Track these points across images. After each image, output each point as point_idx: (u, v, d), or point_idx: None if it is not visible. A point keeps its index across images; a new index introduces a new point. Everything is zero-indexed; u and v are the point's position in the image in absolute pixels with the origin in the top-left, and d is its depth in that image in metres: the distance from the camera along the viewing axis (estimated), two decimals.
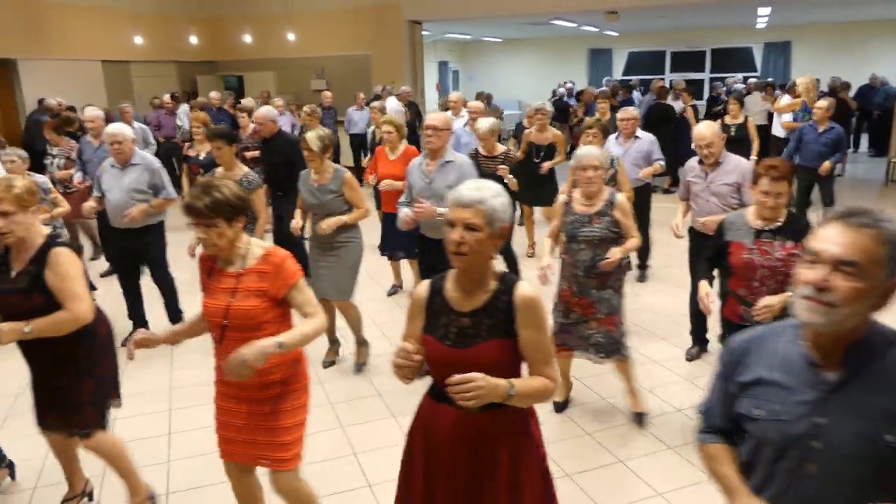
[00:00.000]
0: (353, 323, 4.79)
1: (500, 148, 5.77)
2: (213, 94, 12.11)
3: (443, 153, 4.35)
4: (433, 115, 4.43)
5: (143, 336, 2.63)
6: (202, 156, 6.28)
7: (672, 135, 10.13)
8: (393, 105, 10.67)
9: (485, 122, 5.74)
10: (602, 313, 3.76)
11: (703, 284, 3.34)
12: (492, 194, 1.97)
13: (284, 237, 5.42)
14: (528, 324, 1.99)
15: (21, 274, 2.79)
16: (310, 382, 2.71)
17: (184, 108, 11.47)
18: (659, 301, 6.00)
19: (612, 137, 6.19)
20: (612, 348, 3.80)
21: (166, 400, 4.45)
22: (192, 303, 5.80)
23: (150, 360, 4.97)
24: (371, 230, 5.34)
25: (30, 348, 2.88)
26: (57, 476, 3.31)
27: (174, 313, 5.40)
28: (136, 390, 4.44)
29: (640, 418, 3.99)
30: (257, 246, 2.52)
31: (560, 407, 4.15)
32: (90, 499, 3.33)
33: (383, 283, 6.53)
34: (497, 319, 1.99)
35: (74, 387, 2.90)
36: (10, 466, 3.53)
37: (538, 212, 7.51)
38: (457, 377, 1.84)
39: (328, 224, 4.36)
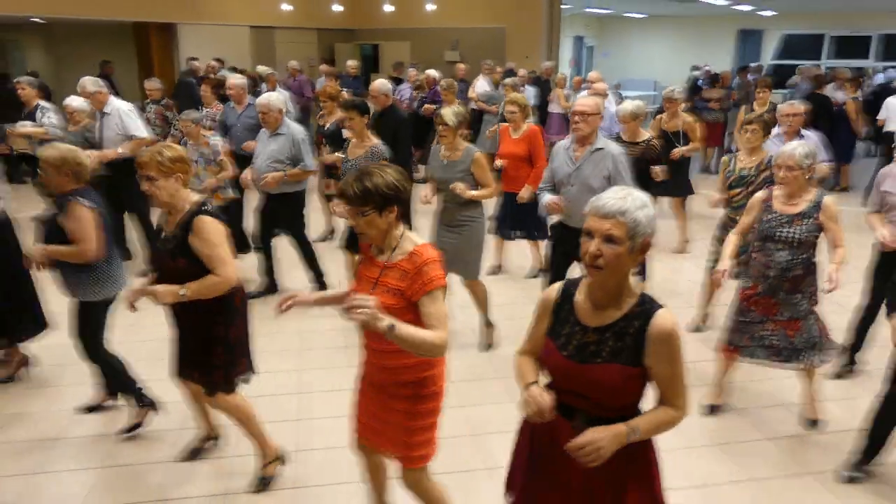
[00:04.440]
0: (481, 301, 4.82)
1: (644, 134, 5.46)
2: (350, 63, 12.38)
3: (592, 139, 4.20)
4: (583, 100, 4.25)
5: (297, 297, 2.66)
6: (327, 126, 6.42)
7: (828, 131, 9.30)
8: (481, 85, 10.61)
9: (628, 105, 5.44)
10: (784, 316, 3.64)
11: None
12: (637, 205, 1.82)
13: None
14: (661, 358, 1.85)
15: (170, 237, 2.98)
16: (444, 387, 2.59)
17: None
18: None
19: (773, 133, 5.77)
20: (791, 354, 3.68)
21: (297, 359, 4.66)
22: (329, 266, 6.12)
23: (284, 323, 5.23)
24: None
25: (177, 310, 3.05)
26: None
27: (317, 276, 5.65)
28: (270, 348, 4.69)
29: (813, 424, 3.87)
30: (409, 241, 2.39)
31: (711, 409, 4.02)
32: (216, 441, 3.61)
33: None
34: (624, 344, 1.86)
35: (208, 351, 3.07)
36: (153, 405, 3.81)
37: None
38: (574, 443, 1.81)
39: (461, 188, 4.35)
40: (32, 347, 4.44)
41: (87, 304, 3.52)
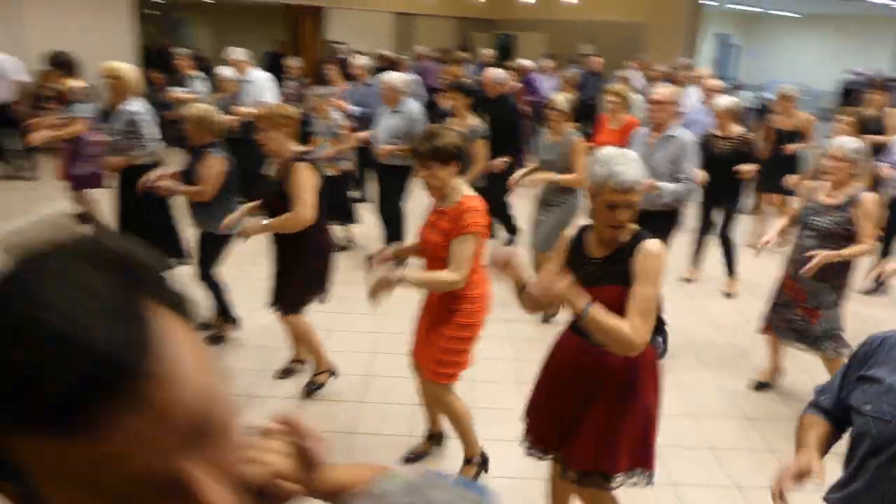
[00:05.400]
0: None
1: (737, 129, 5.45)
2: (486, 52, 12.66)
3: (667, 127, 4.42)
4: (659, 89, 4.51)
5: (384, 252, 3.08)
6: (448, 106, 6.78)
7: None
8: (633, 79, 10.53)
9: (723, 101, 5.49)
10: (810, 304, 3.75)
11: None
12: (639, 164, 2.19)
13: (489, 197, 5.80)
14: (637, 272, 2.15)
15: (275, 181, 3.55)
16: (479, 329, 2.96)
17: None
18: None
19: None
20: (811, 341, 3.78)
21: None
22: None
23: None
24: None
25: (273, 242, 3.66)
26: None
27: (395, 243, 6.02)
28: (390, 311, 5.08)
29: None
30: (460, 192, 2.82)
31: (759, 386, 4.19)
32: (303, 364, 4.16)
33: None
34: (619, 267, 2.18)
35: (288, 277, 3.65)
36: (234, 322, 4.48)
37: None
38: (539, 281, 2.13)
39: (542, 177, 4.73)
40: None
41: (209, 235, 4.17)
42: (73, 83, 5.68)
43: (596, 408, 2.29)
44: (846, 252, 3.56)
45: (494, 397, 3.94)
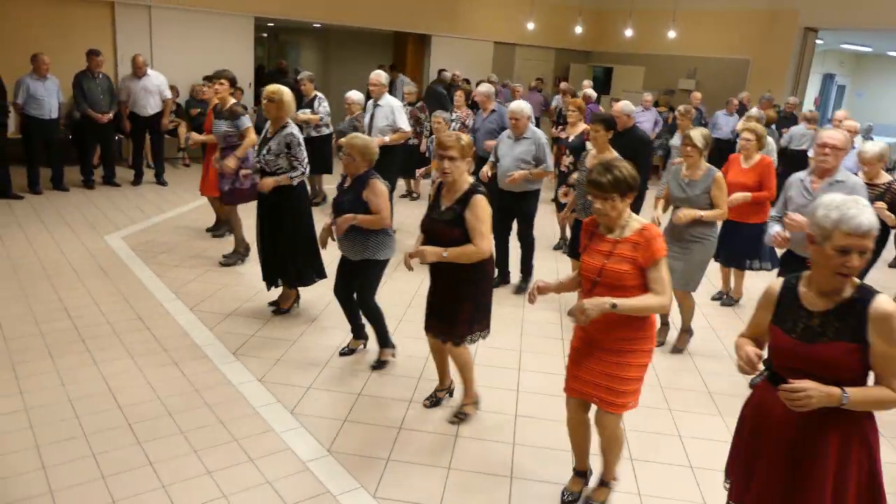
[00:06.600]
0: (686, 312, 5.10)
1: (885, 177, 5.17)
2: (586, 83, 12.76)
3: (834, 173, 4.19)
4: (832, 133, 4.22)
5: (542, 284, 3.12)
6: (571, 138, 6.81)
7: None
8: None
9: (874, 147, 5.21)
10: None
11: None
12: (872, 212, 2.11)
13: None
14: (880, 334, 2.07)
15: (448, 209, 3.54)
16: (652, 351, 3.03)
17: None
18: None
19: None
20: None
21: (516, 341, 5.10)
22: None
23: (509, 312, 5.74)
24: None
25: (439, 270, 3.63)
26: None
27: (527, 268, 6.17)
28: (495, 329, 5.22)
29: None
30: (636, 221, 2.90)
31: None
32: (450, 394, 4.13)
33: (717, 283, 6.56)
34: (846, 323, 2.11)
35: (460, 306, 3.61)
36: (393, 348, 4.50)
37: None
38: (790, 385, 2.08)
39: (685, 214, 4.64)
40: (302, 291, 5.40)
41: (369, 262, 4.21)
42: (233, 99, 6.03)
43: (816, 470, 2.19)
44: None
45: (637, 421, 4.00)
